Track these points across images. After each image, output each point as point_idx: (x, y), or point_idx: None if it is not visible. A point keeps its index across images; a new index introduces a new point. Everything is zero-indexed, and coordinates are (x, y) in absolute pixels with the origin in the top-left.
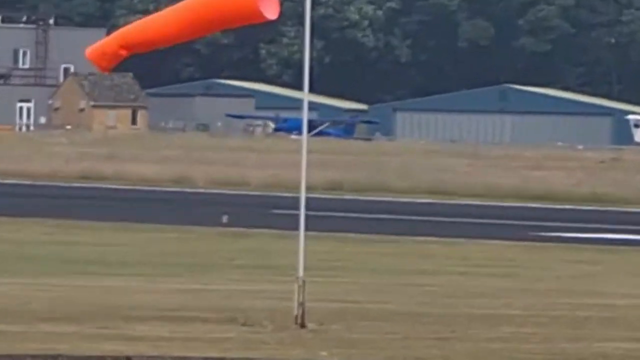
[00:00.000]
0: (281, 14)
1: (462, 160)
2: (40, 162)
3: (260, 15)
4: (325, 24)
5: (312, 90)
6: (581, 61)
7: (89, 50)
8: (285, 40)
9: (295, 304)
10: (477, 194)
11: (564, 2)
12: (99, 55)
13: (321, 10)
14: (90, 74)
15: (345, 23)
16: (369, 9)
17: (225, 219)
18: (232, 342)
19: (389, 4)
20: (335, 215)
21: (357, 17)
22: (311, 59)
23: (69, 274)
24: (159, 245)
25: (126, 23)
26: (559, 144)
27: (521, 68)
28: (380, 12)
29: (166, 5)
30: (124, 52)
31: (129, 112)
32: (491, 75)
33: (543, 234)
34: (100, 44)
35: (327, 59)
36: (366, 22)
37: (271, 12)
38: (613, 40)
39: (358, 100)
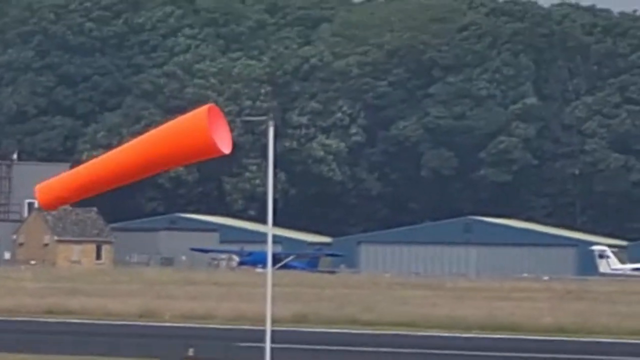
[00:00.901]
0: (243, 148)
1: (426, 292)
2: (4, 298)
3: (217, 149)
4: (289, 157)
5: (276, 223)
6: (545, 192)
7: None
8: (247, 174)
9: None
10: (442, 326)
11: (525, 133)
12: (45, 192)
13: (286, 143)
14: None
15: (310, 160)
16: (332, 142)
17: (191, 351)
18: None
19: (354, 138)
20: (301, 347)
21: (321, 153)
22: (275, 193)
23: None
24: None
25: (89, 158)
26: (524, 275)
27: (485, 199)
28: (343, 145)
29: (129, 140)
30: (70, 196)
31: (93, 246)
32: (455, 206)
33: None
34: (50, 184)
35: (291, 192)
36: (330, 157)
37: (225, 146)
38: (577, 171)
39: (322, 233)
